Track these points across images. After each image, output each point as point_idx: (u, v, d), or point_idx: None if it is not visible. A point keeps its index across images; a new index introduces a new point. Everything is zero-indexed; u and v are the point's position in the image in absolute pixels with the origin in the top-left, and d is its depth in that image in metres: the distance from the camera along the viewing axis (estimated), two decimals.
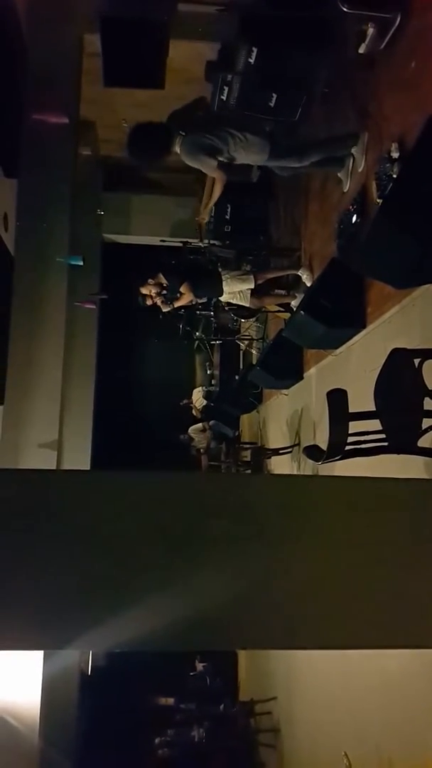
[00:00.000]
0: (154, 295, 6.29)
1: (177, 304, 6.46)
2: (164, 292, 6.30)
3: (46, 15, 5.88)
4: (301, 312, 4.97)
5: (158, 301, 6.36)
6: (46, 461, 6.23)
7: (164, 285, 6.29)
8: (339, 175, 5.13)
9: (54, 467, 6.29)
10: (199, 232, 6.14)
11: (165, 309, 6.46)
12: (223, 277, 6.35)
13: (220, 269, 6.51)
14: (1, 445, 5.92)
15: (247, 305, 6.70)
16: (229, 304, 7.06)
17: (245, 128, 4.73)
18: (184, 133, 4.69)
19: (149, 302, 6.33)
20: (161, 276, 6.27)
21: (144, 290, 6.33)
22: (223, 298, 6.60)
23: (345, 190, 5.11)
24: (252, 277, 6.40)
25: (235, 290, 6.41)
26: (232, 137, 4.67)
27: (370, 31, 4.39)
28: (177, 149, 4.78)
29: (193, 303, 6.84)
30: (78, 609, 2.02)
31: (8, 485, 2.17)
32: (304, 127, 6.39)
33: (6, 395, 5.76)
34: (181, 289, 6.27)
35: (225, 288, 6.35)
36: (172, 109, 4.92)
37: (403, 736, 3.72)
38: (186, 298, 6.37)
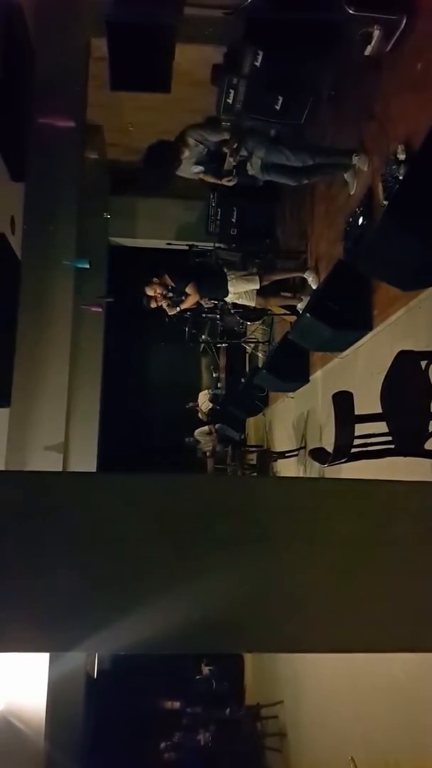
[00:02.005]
0: (159, 296, 6.28)
1: (183, 306, 6.45)
2: (170, 294, 6.29)
3: (54, 20, 5.91)
4: (307, 314, 4.97)
5: (164, 304, 6.35)
6: (52, 463, 6.25)
7: (169, 286, 6.28)
8: (345, 176, 5.14)
9: (60, 469, 6.30)
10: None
11: (171, 312, 6.45)
12: (229, 278, 6.35)
13: (225, 270, 6.51)
14: (8, 447, 5.93)
15: (253, 305, 6.69)
16: (235, 305, 7.06)
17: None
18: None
19: (153, 305, 6.32)
20: (167, 277, 6.27)
21: (149, 291, 6.31)
22: (228, 299, 6.59)
23: (351, 193, 5.12)
24: (257, 277, 6.40)
25: (241, 290, 6.40)
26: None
27: (376, 33, 4.39)
28: (189, 143, 5.19)
29: (199, 305, 6.83)
30: (84, 611, 2.02)
31: (14, 487, 2.17)
32: (310, 130, 6.39)
33: (13, 398, 5.77)
34: (187, 290, 6.26)
35: (230, 288, 6.34)
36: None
37: (410, 741, 3.70)
38: (191, 299, 6.36)
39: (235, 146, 5.17)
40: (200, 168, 5.37)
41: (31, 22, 5.65)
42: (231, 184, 5.58)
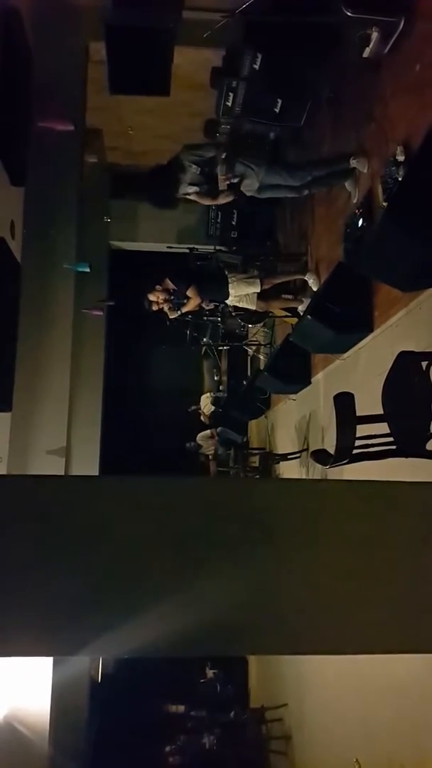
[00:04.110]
0: (161, 301, 6.30)
1: (184, 310, 6.46)
2: (172, 297, 6.30)
3: (52, 24, 5.91)
4: (308, 316, 4.97)
5: (165, 307, 6.36)
6: (54, 467, 6.24)
7: (171, 290, 6.30)
8: (347, 185, 5.15)
9: (62, 473, 6.29)
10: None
11: (172, 315, 6.46)
12: (230, 280, 6.36)
13: (226, 272, 6.52)
14: (10, 451, 5.93)
15: (254, 308, 6.70)
16: (236, 308, 7.06)
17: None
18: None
19: (155, 308, 6.34)
20: (168, 281, 6.28)
21: (152, 297, 6.34)
22: (229, 302, 6.60)
23: (354, 201, 5.11)
24: (258, 280, 6.41)
25: (242, 293, 6.41)
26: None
27: (375, 35, 4.40)
28: (183, 165, 5.27)
29: (201, 308, 6.84)
30: (87, 615, 2.01)
31: (17, 491, 2.17)
32: (309, 132, 6.41)
33: (14, 402, 5.77)
34: (188, 293, 6.27)
35: (231, 291, 6.35)
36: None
37: (415, 743, 3.68)
38: (193, 302, 6.37)
39: (224, 156, 5.22)
40: (194, 188, 5.43)
41: (30, 27, 5.66)
42: (228, 200, 5.63)
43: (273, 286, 6.57)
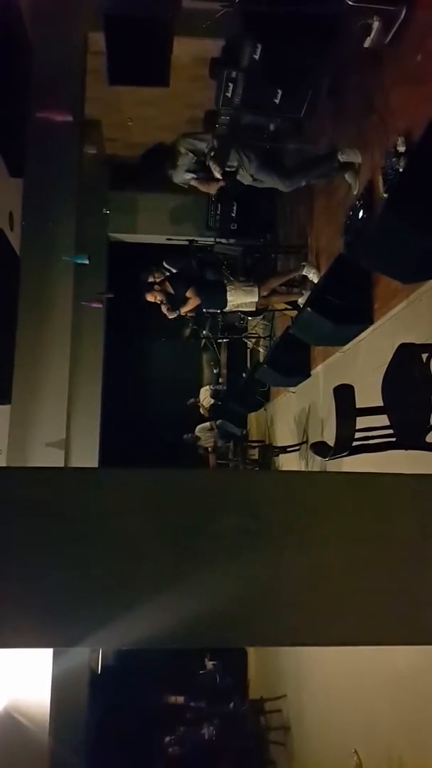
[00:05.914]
0: (159, 301, 6.30)
1: (183, 310, 6.46)
2: (171, 293, 6.30)
3: (51, 14, 5.88)
4: (308, 309, 4.95)
5: (164, 309, 6.37)
6: (54, 460, 6.24)
7: (170, 292, 6.30)
8: (347, 177, 5.13)
9: (62, 466, 6.29)
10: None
11: (171, 316, 6.47)
12: (228, 289, 6.35)
13: (224, 281, 6.50)
14: (10, 444, 5.93)
15: (252, 309, 6.71)
16: None
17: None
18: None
19: (150, 299, 6.34)
20: (167, 284, 6.28)
21: (150, 297, 6.34)
22: (227, 309, 6.61)
23: (355, 192, 5.09)
24: (256, 289, 6.40)
25: (239, 302, 6.42)
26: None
27: (376, 24, 4.37)
28: (180, 151, 5.25)
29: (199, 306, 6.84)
30: (87, 607, 2.01)
31: (16, 483, 2.17)
32: (309, 123, 6.38)
33: (13, 394, 5.77)
34: (187, 294, 6.28)
35: (229, 298, 6.36)
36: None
37: (414, 734, 3.70)
38: (192, 303, 6.36)
39: (213, 154, 5.21)
40: (191, 175, 5.42)
41: (29, 17, 5.64)
42: (217, 186, 5.60)
43: (271, 291, 6.57)
